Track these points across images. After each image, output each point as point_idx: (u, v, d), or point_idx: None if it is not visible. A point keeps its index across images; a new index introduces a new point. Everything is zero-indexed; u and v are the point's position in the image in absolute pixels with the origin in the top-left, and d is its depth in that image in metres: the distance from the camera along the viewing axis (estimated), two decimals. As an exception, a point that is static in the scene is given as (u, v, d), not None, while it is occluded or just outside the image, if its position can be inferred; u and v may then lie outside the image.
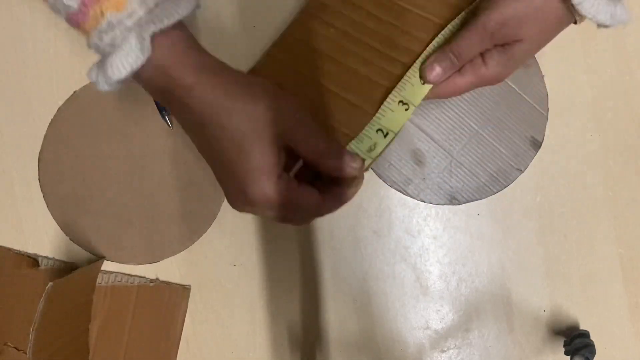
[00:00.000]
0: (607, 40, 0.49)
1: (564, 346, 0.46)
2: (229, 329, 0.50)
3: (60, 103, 0.50)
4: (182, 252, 0.50)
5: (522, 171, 0.49)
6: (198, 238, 0.50)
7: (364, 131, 0.39)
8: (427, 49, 0.40)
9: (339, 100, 0.41)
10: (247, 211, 0.35)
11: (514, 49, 0.38)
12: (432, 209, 0.49)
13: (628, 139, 0.49)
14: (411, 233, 0.50)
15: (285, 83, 0.41)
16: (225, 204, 0.50)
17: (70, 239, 0.51)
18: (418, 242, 0.50)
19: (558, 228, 0.49)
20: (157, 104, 0.49)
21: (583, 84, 0.49)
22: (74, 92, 0.50)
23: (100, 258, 0.50)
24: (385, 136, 0.39)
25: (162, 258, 0.50)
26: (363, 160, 0.36)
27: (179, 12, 0.33)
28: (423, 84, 0.39)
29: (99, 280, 0.49)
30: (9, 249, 0.51)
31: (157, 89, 0.34)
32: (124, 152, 0.50)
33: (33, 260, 0.51)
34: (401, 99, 0.39)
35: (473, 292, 0.49)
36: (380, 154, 0.39)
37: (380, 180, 0.49)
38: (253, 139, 0.32)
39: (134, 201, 0.50)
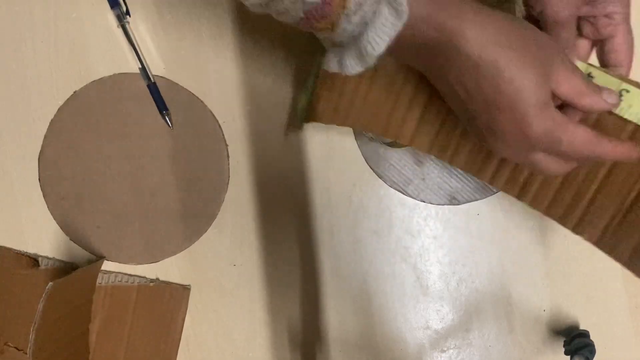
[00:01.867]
0: (607, 41, 0.49)
1: (564, 346, 0.46)
2: (229, 329, 0.50)
3: (60, 103, 0.50)
4: (182, 252, 0.50)
5: (522, 171, 0.49)
6: (198, 238, 0.50)
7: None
8: None
9: None
10: (530, 160, 0.33)
11: (606, 7, 0.36)
12: (432, 209, 0.49)
13: (628, 139, 0.49)
14: (411, 233, 0.50)
15: None
16: (226, 204, 0.50)
17: (70, 239, 0.51)
18: (418, 242, 0.50)
19: (558, 228, 0.49)
20: (157, 104, 0.49)
21: (583, 84, 0.49)
22: (74, 92, 0.50)
23: (100, 258, 0.50)
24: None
25: (162, 258, 0.50)
26: (619, 94, 0.35)
27: None
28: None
29: (99, 280, 0.49)
30: (9, 249, 0.51)
31: (413, 47, 0.33)
32: (124, 152, 0.50)
33: (33, 260, 0.51)
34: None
35: (473, 292, 0.49)
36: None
37: (380, 180, 0.49)
38: (529, 76, 0.31)
39: (134, 201, 0.50)
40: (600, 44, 0.38)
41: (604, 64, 0.38)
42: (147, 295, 0.50)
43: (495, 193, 0.49)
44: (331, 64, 0.34)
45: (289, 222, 0.50)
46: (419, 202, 0.49)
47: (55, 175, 0.51)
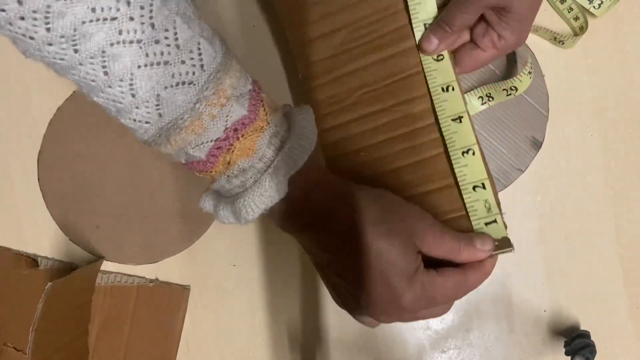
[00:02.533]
0: (607, 41, 0.49)
1: (565, 346, 0.46)
2: (229, 329, 0.50)
3: (60, 103, 0.50)
4: (181, 252, 0.50)
5: (522, 171, 0.49)
6: (198, 238, 0.50)
7: (465, 202, 0.39)
8: (434, 100, 0.40)
9: (422, 198, 0.39)
10: (415, 318, 0.35)
11: (514, 9, 0.38)
12: (432, 209, 0.49)
13: (628, 139, 0.49)
14: (411, 233, 0.49)
15: None
16: (225, 204, 0.50)
17: (70, 239, 0.51)
18: (418, 242, 0.49)
19: (558, 228, 0.49)
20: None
21: (583, 84, 0.49)
22: (74, 92, 0.50)
23: (99, 258, 0.50)
24: (483, 187, 0.38)
25: (161, 258, 0.50)
26: (493, 240, 0.37)
27: (307, 148, 0.33)
28: (460, 121, 0.39)
29: (98, 280, 0.49)
30: (9, 249, 0.51)
31: (287, 216, 0.34)
32: (124, 152, 0.50)
33: (32, 260, 0.51)
34: (461, 150, 0.39)
35: (473, 292, 0.49)
36: (498, 203, 0.39)
37: (381, 180, 0.49)
38: (395, 249, 0.33)
39: (134, 201, 0.50)
40: (469, 43, 0.41)
41: (455, 53, 0.41)
42: (146, 296, 0.50)
43: (495, 193, 0.49)
44: (205, 206, 0.36)
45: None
46: (419, 202, 0.49)
47: (55, 175, 0.51)
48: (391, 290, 0.33)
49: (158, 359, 0.50)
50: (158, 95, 0.28)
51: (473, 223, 0.38)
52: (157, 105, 0.29)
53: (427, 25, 0.41)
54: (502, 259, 0.50)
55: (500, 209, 0.38)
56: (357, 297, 0.35)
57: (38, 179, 0.51)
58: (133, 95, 0.28)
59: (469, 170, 0.38)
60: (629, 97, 0.49)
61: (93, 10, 0.26)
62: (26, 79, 0.51)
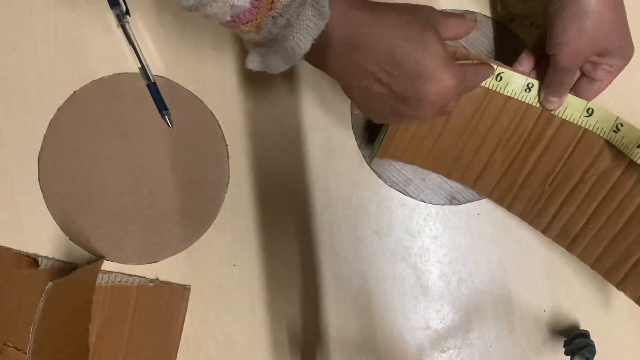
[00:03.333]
0: (607, 40, 0.49)
1: (564, 346, 0.46)
2: (229, 329, 0.50)
3: (60, 103, 0.50)
4: (182, 252, 0.50)
5: (522, 171, 0.49)
6: (198, 238, 0.50)
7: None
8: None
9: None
10: (440, 106, 0.38)
11: (606, 48, 0.39)
12: (432, 209, 0.49)
13: (628, 139, 0.49)
14: (411, 233, 0.50)
15: None
16: (226, 204, 0.50)
17: (70, 239, 0.51)
18: (418, 242, 0.50)
19: (558, 228, 0.49)
20: (156, 104, 0.49)
21: (583, 84, 0.49)
22: (74, 92, 0.50)
23: (100, 258, 0.50)
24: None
25: (162, 258, 0.50)
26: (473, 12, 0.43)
27: None
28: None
29: (99, 280, 0.49)
30: (9, 249, 0.51)
31: (335, 45, 0.37)
32: (124, 152, 0.50)
33: (33, 260, 0.51)
34: None
35: (473, 292, 0.49)
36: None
37: (380, 180, 0.49)
38: (430, 40, 0.36)
39: (134, 201, 0.50)
40: (584, 77, 0.43)
41: (575, 91, 0.43)
42: (147, 295, 0.50)
43: (495, 193, 0.49)
44: (253, 65, 0.38)
45: (289, 222, 0.50)
46: (419, 202, 0.49)
47: (55, 175, 0.51)
48: (440, 78, 0.36)
49: (158, 359, 0.50)
50: None
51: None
52: None
53: (527, 89, 0.42)
54: (503, 258, 0.50)
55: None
56: (405, 97, 0.37)
57: (38, 179, 0.51)
58: None
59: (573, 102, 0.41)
60: (628, 97, 0.49)
61: None
62: (26, 79, 0.51)
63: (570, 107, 0.42)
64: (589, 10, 0.37)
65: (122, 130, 0.50)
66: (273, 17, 0.34)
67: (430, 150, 0.45)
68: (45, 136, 0.51)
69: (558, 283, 0.49)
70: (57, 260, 0.51)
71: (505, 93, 0.42)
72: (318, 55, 0.37)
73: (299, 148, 0.50)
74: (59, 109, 0.50)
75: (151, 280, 0.50)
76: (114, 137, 0.50)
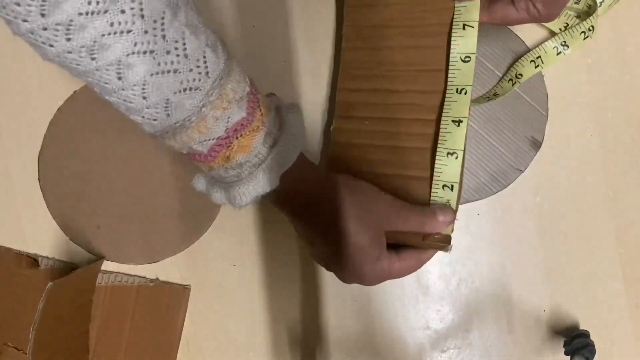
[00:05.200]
0: (607, 40, 0.49)
1: (564, 346, 0.46)
2: (229, 329, 0.50)
3: (60, 103, 0.50)
4: (182, 252, 0.50)
5: (522, 171, 0.49)
6: (198, 238, 0.50)
7: (432, 193, 0.42)
8: (445, 98, 0.42)
9: (397, 180, 0.43)
10: (361, 284, 0.41)
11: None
12: (432, 209, 0.49)
13: (628, 139, 0.49)
14: (411, 233, 0.50)
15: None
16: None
17: (70, 239, 0.51)
18: (418, 242, 0.50)
19: (558, 228, 0.49)
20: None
21: (583, 84, 0.49)
22: (74, 92, 0.50)
23: (100, 258, 0.50)
24: (451, 189, 0.41)
25: (162, 258, 0.50)
26: (453, 209, 0.41)
27: (297, 147, 0.37)
28: (458, 125, 0.42)
29: (99, 280, 0.49)
30: (9, 249, 0.51)
31: (275, 204, 0.40)
32: (124, 152, 0.50)
33: (33, 260, 0.51)
34: (447, 150, 0.42)
35: (473, 292, 0.49)
36: (456, 209, 0.42)
37: (380, 180, 0.49)
38: (364, 238, 0.39)
39: (134, 201, 0.50)
40: None
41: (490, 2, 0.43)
42: (147, 295, 0.50)
43: (495, 193, 0.49)
44: (199, 185, 0.39)
45: (288, 221, 0.50)
46: (419, 202, 0.49)
47: (55, 175, 0.51)
48: (357, 269, 0.39)
49: (158, 359, 0.50)
50: (167, 99, 0.31)
51: None
52: (166, 107, 0.31)
53: (465, 26, 0.42)
54: (503, 258, 0.50)
55: (455, 215, 0.42)
56: (333, 267, 0.41)
57: (38, 179, 0.51)
58: (144, 98, 0.31)
59: (446, 169, 0.42)
60: (629, 97, 0.49)
61: (111, 24, 0.27)
62: (26, 79, 0.51)
63: (465, 40, 0.42)
64: None
65: (122, 130, 0.50)
66: (225, 167, 0.36)
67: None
68: (45, 136, 0.51)
69: (558, 283, 0.49)
70: (57, 260, 0.51)
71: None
72: (266, 200, 0.39)
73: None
74: (59, 109, 0.50)
75: (151, 280, 0.50)
76: (114, 137, 0.50)
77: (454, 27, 0.43)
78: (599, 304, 0.49)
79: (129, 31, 0.28)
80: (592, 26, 0.46)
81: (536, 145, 0.49)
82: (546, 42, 0.47)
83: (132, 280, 0.50)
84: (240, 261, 0.50)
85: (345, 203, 0.39)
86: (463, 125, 0.41)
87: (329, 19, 0.50)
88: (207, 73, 0.32)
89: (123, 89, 0.30)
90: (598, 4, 0.46)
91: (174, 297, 0.50)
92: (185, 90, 0.31)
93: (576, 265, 0.49)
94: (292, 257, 0.50)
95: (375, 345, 0.50)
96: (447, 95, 0.42)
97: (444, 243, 0.41)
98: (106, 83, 0.30)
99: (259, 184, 0.36)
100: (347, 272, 0.40)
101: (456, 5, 0.43)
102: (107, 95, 0.31)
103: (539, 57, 0.47)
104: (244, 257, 0.50)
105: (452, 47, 0.42)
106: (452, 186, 0.41)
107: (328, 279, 0.50)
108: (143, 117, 0.32)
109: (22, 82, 0.51)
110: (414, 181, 0.43)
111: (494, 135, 0.49)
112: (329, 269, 0.42)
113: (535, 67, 0.47)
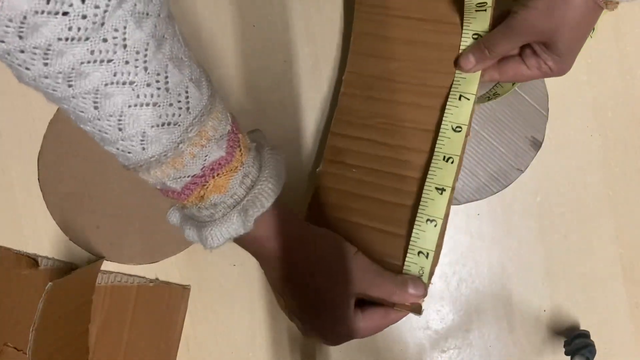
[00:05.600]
0: (607, 40, 0.49)
1: (565, 346, 0.46)
2: (229, 329, 0.50)
3: (60, 103, 0.50)
4: (182, 252, 0.50)
5: (522, 171, 0.49)
6: (198, 238, 0.50)
7: (407, 259, 0.42)
8: (431, 164, 0.43)
9: (375, 233, 0.43)
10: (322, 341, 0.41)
11: (557, 45, 0.39)
12: (432, 209, 0.49)
13: (628, 139, 0.49)
14: (411, 233, 0.49)
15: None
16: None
17: (70, 239, 0.51)
18: (418, 242, 0.49)
19: (558, 228, 0.49)
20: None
21: (583, 84, 0.49)
22: (74, 92, 0.50)
23: (99, 258, 0.50)
24: (427, 257, 0.42)
25: (162, 258, 0.50)
26: (424, 283, 0.41)
27: (275, 191, 0.36)
28: (441, 193, 0.42)
29: (98, 280, 0.49)
30: (9, 249, 0.51)
31: (246, 247, 0.39)
32: (124, 152, 0.50)
33: (33, 260, 0.51)
34: (427, 217, 0.42)
35: (473, 292, 0.49)
36: (431, 274, 0.42)
37: (381, 180, 0.49)
38: (332, 296, 0.38)
39: (134, 201, 0.50)
40: (516, 57, 0.43)
41: (500, 63, 0.43)
42: (146, 295, 0.50)
43: (495, 193, 0.49)
44: (173, 219, 0.38)
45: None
46: (419, 202, 0.49)
47: (55, 175, 0.51)
48: (319, 328, 0.39)
49: (158, 359, 0.50)
50: (144, 132, 0.30)
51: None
52: (142, 141, 0.30)
53: (475, 37, 0.43)
54: (503, 258, 0.50)
55: (429, 281, 0.42)
56: (296, 320, 0.41)
57: (38, 179, 0.51)
58: (120, 130, 0.29)
59: (424, 236, 0.42)
60: (629, 97, 0.49)
61: (92, 52, 0.26)
62: (26, 79, 0.51)
63: (459, 111, 0.43)
64: (571, 3, 0.37)
65: (122, 130, 0.50)
66: (198, 207, 0.34)
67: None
68: (45, 136, 0.51)
69: (558, 283, 0.49)
70: (57, 260, 0.51)
71: (465, 19, 0.43)
72: (237, 242, 0.38)
73: (299, 148, 0.50)
74: (59, 109, 0.50)
75: (151, 280, 0.50)
76: (114, 137, 0.50)
77: (450, 96, 0.43)
78: (599, 304, 0.49)
79: (109, 60, 0.27)
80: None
81: (536, 145, 0.49)
82: None
83: (132, 280, 0.50)
84: (240, 261, 0.50)
85: (320, 260, 0.38)
86: (446, 194, 0.41)
87: (330, 18, 0.50)
88: (187, 109, 0.31)
89: (99, 119, 0.29)
90: None
91: (174, 297, 0.50)
92: (163, 124, 0.30)
93: (576, 265, 0.49)
94: (292, 257, 0.50)
95: (375, 345, 0.50)
96: (433, 161, 0.42)
97: (415, 312, 0.41)
98: (82, 111, 0.29)
99: (232, 227, 0.34)
100: (308, 328, 0.40)
101: (456, 75, 0.43)
102: (82, 124, 0.30)
103: None
104: (244, 257, 0.50)
105: (445, 115, 0.43)
106: (428, 254, 0.42)
107: (328, 279, 0.50)
108: (118, 148, 0.31)
109: (22, 82, 0.51)
110: (391, 237, 0.43)
111: (494, 135, 0.49)
112: (291, 319, 0.41)
113: None
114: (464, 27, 0.43)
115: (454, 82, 0.43)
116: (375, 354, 0.50)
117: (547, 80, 0.49)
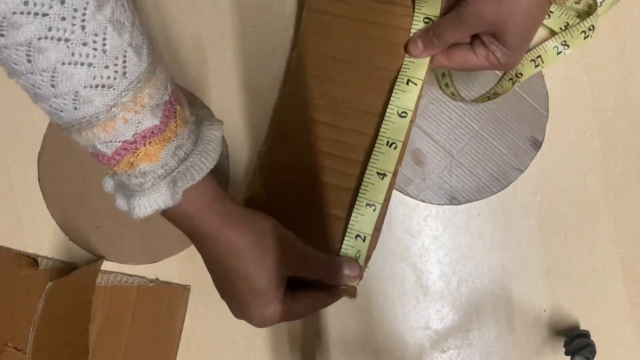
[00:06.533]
0: (607, 40, 0.49)
1: (565, 346, 0.46)
2: (229, 329, 0.50)
3: (60, 103, 0.50)
4: (182, 252, 0.50)
5: (522, 171, 0.49)
6: (198, 238, 0.50)
7: (345, 242, 0.42)
8: (374, 149, 0.43)
9: (316, 213, 0.44)
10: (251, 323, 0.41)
11: (505, 38, 0.40)
12: (432, 209, 0.49)
13: (628, 139, 0.49)
14: (411, 233, 0.50)
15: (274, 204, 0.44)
16: (225, 204, 0.50)
17: (70, 239, 0.51)
18: (418, 242, 0.50)
19: (558, 228, 0.49)
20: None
21: (583, 84, 0.49)
22: (74, 92, 0.50)
23: (100, 258, 0.50)
24: (364, 240, 0.42)
25: (161, 258, 0.50)
26: (360, 265, 0.42)
27: (207, 165, 0.36)
28: (382, 178, 0.42)
29: (98, 280, 0.49)
30: (9, 249, 0.51)
31: (178, 224, 0.39)
32: (124, 152, 0.50)
33: (33, 260, 0.51)
34: (367, 201, 0.42)
35: (473, 292, 0.49)
36: (368, 258, 0.43)
37: (381, 180, 0.49)
38: (261, 279, 0.38)
39: (134, 201, 0.50)
40: (465, 44, 0.43)
41: (448, 50, 0.43)
42: (147, 295, 0.50)
43: (495, 193, 0.49)
44: (107, 186, 0.38)
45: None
46: (419, 202, 0.49)
47: (55, 175, 0.51)
48: (246, 310, 0.39)
49: (158, 359, 0.50)
50: (77, 92, 0.30)
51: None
52: (75, 100, 0.30)
53: (426, 21, 0.42)
54: (503, 258, 0.50)
55: (366, 265, 0.43)
56: (225, 299, 0.41)
57: (38, 179, 0.51)
58: (53, 86, 0.29)
59: (362, 220, 0.42)
60: (629, 97, 0.49)
61: (26, 3, 0.26)
62: (26, 79, 0.51)
63: (405, 96, 0.42)
64: None
65: (122, 130, 0.50)
66: (128, 175, 0.34)
67: None
68: (45, 136, 0.51)
69: (558, 283, 0.49)
70: (57, 260, 0.51)
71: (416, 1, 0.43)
72: (165, 216, 0.38)
73: (299, 148, 0.50)
74: (59, 109, 0.50)
75: (151, 280, 0.50)
76: (114, 137, 0.50)
77: (398, 80, 0.43)
78: (599, 304, 0.49)
79: (44, 14, 0.27)
80: (593, 26, 0.46)
81: (536, 145, 0.49)
82: (546, 42, 0.47)
83: (132, 280, 0.50)
84: (240, 261, 0.50)
85: (249, 243, 0.38)
86: (387, 179, 0.42)
87: (329, 19, 0.50)
88: (124, 73, 0.30)
89: (32, 73, 0.29)
90: (599, 4, 0.46)
91: (174, 297, 0.50)
92: (97, 86, 0.30)
93: (576, 265, 0.49)
94: (292, 257, 0.50)
95: (375, 345, 0.50)
96: (376, 146, 0.42)
97: (349, 295, 0.41)
98: (15, 64, 0.28)
99: (161, 197, 0.34)
100: (236, 309, 0.40)
101: (405, 58, 0.43)
102: (15, 77, 0.30)
103: (539, 56, 0.47)
104: (244, 257, 0.50)
105: (391, 99, 0.43)
106: (365, 237, 0.42)
107: (328, 279, 0.50)
108: (50, 106, 0.31)
109: (22, 82, 0.51)
110: (331, 219, 0.43)
111: (494, 135, 0.49)
112: (222, 297, 0.41)
113: (536, 67, 0.47)
114: (416, 10, 0.43)
115: (403, 66, 0.43)
116: (375, 354, 0.50)
117: (547, 80, 0.49)
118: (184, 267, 0.50)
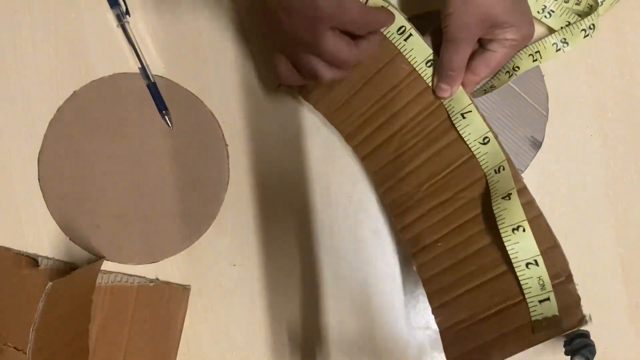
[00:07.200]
0: (607, 40, 0.49)
1: (564, 346, 0.46)
2: (229, 329, 0.50)
3: (60, 103, 0.50)
4: (182, 252, 0.50)
5: (522, 171, 0.49)
6: (198, 238, 0.50)
7: (520, 280, 0.40)
8: (488, 182, 0.43)
9: (481, 289, 0.43)
10: (318, 40, 0.37)
11: (499, 20, 0.39)
12: (432, 209, 0.49)
13: (628, 139, 0.49)
14: (411, 233, 0.49)
15: None
16: (226, 204, 0.50)
17: (70, 239, 0.51)
18: (418, 242, 0.49)
19: (558, 228, 0.49)
20: (156, 104, 0.49)
21: (583, 84, 0.49)
22: (74, 92, 0.50)
23: (100, 258, 0.50)
24: (537, 264, 0.40)
25: (161, 258, 0.50)
26: (391, 13, 0.41)
27: None
28: (509, 199, 0.40)
29: (98, 280, 0.49)
30: (9, 249, 0.51)
31: None
32: (124, 152, 0.50)
33: (33, 260, 0.51)
34: (511, 227, 0.40)
35: (473, 292, 0.49)
36: (561, 275, 0.41)
37: (381, 180, 0.49)
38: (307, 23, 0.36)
39: (134, 201, 0.50)
40: (479, 49, 0.43)
41: (469, 63, 0.43)
42: (147, 295, 0.50)
43: (495, 193, 0.49)
44: None
45: (289, 221, 0.50)
46: (419, 202, 0.49)
47: (55, 175, 0.51)
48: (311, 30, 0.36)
49: (158, 359, 0.50)
50: None
51: (528, 301, 0.40)
52: None
53: (429, 64, 0.43)
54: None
55: (573, 284, 0.40)
56: (287, 9, 0.37)
57: (38, 179, 0.51)
58: None
59: (521, 247, 0.40)
60: (629, 97, 0.49)
61: None
62: (26, 79, 0.51)
63: (472, 127, 0.42)
64: None
65: (122, 130, 0.50)
66: None
67: (342, 105, 0.46)
68: (45, 136, 0.51)
69: (558, 283, 0.49)
70: (57, 260, 0.51)
71: (407, 56, 0.43)
72: None
73: (299, 148, 0.50)
74: (59, 109, 0.50)
75: (151, 280, 0.50)
76: (114, 137, 0.50)
77: (453, 120, 0.43)
78: (600, 304, 0.49)
79: None
80: (593, 24, 0.46)
81: (536, 145, 0.49)
82: (546, 38, 0.47)
83: (132, 280, 0.50)
84: (240, 261, 0.50)
85: None
86: (514, 196, 0.40)
87: (329, 19, 0.50)
88: None
89: None
90: (599, 3, 0.46)
91: (174, 297, 0.50)
92: None
93: (576, 265, 0.49)
94: (292, 257, 0.50)
95: (375, 345, 0.50)
96: (488, 178, 0.42)
97: (552, 326, 0.39)
98: None
99: None
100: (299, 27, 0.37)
101: (444, 102, 0.43)
102: None
103: (538, 51, 0.47)
104: (244, 257, 0.50)
105: (465, 138, 0.42)
106: (536, 261, 0.39)
107: (328, 279, 0.50)
108: None
109: (22, 82, 0.51)
110: (497, 281, 0.41)
111: (494, 135, 0.48)
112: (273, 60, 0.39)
113: (534, 61, 0.47)
114: (412, 62, 0.43)
115: (448, 109, 0.43)
116: (375, 354, 0.50)
117: (547, 80, 0.49)
118: (184, 267, 0.50)
